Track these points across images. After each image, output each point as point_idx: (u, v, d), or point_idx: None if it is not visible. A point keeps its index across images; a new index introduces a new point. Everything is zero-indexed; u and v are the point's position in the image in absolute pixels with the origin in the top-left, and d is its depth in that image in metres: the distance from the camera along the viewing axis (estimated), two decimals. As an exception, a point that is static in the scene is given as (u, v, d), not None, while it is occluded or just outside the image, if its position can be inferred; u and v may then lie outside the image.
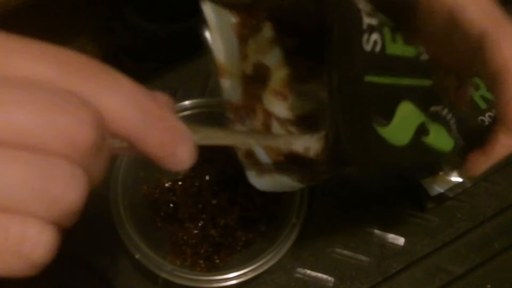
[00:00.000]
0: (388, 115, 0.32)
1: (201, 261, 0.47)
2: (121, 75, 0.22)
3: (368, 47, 0.30)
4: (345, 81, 0.29)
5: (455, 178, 0.50)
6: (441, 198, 0.50)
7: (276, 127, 0.36)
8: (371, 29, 0.31)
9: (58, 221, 0.21)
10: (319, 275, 0.48)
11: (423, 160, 0.36)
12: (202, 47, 0.57)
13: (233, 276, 0.42)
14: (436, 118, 0.35)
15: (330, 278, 0.48)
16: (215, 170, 0.49)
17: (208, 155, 0.49)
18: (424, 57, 0.34)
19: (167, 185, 0.49)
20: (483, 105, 0.48)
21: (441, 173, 0.50)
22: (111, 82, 0.21)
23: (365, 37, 0.30)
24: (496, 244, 0.49)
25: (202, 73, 0.55)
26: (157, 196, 0.48)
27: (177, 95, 0.54)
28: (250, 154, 0.35)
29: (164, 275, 0.42)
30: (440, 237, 0.49)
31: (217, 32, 0.35)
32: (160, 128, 0.21)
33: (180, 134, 0.22)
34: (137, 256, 0.42)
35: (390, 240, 0.49)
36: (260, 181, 0.35)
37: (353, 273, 0.48)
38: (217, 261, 0.47)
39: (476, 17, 0.32)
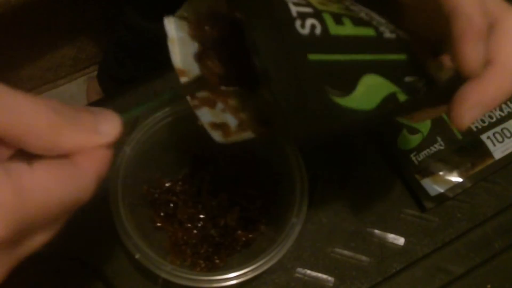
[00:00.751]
0: (347, 88, 0.32)
1: (201, 261, 0.47)
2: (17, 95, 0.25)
3: (305, 31, 0.31)
4: (287, 62, 0.30)
5: (455, 178, 0.50)
6: (441, 198, 0.50)
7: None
8: (304, 15, 0.31)
9: None
10: (319, 275, 0.48)
11: (388, 120, 0.36)
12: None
13: (233, 276, 0.42)
14: (410, 89, 0.35)
15: (330, 278, 0.48)
16: (215, 170, 0.49)
17: (208, 155, 0.49)
18: (388, 35, 0.35)
19: (167, 185, 0.49)
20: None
21: (441, 173, 0.50)
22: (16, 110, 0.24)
23: (297, 22, 0.31)
24: (496, 244, 0.49)
25: (202, 73, 0.55)
26: (157, 196, 0.48)
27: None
28: (215, 124, 0.38)
29: (164, 275, 0.42)
30: (440, 237, 0.49)
31: (176, 42, 0.41)
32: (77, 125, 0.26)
33: (97, 119, 0.28)
34: (137, 256, 0.42)
35: (390, 240, 0.49)
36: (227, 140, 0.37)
37: (353, 273, 0.48)
38: (217, 261, 0.47)
39: None
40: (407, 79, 0.35)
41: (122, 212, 0.44)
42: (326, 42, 0.32)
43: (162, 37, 0.45)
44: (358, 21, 0.34)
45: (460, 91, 0.33)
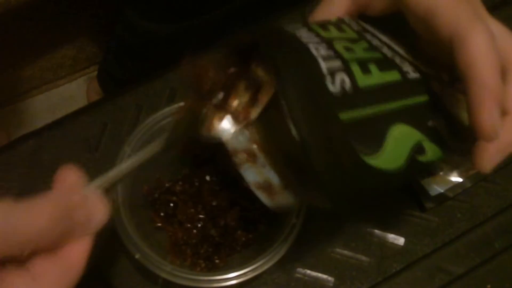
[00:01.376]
0: (378, 143, 0.32)
1: (201, 261, 0.47)
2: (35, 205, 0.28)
3: (335, 89, 0.31)
4: (320, 126, 0.30)
5: (455, 178, 0.50)
6: (441, 198, 0.50)
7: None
8: (333, 71, 0.31)
9: None
10: (319, 275, 0.48)
11: (416, 175, 0.36)
12: (202, 47, 0.58)
13: (233, 276, 0.42)
14: (434, 134, 0.35)
15: (330, 278, 0.48)
16: (215, 170, 0.49)
17: (208, 155, 0.49)
18: (412, 75, 0.34)
19: (167, 185, 0.49)
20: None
21: (441, 173, 0.50)
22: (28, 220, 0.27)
23: (328, 80, 0.31)
24: (496, 244, 0.49)
25: (202, 73, 0.55)
26: (157, 196, 0.48)
27: (177, 95, 0.54)
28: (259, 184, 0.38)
29: (164, 275, 0.42)
30: (440, 237, 0.49)
31: None
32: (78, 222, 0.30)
33: (90, 213, 0.32)
34: (137, 256, 0.42)
35: (390, 240, 0.49)
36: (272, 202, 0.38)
37: (353, 273, 0.48)
38: (217, 261, 0.47)
39: (445, 20, 0.31)
40: (430, 123, 0.35)
41: (122, 212, 0.44)
42: (356, 97, 0.32)
43: (162, 37, 0.44)
44: (383, 65, 0.34)
45: (479, 143, 0.33)
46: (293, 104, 0.30)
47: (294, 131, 0.30)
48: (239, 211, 0.47)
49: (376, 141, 0.32)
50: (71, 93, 1.17)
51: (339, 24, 0.36)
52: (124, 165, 0.38)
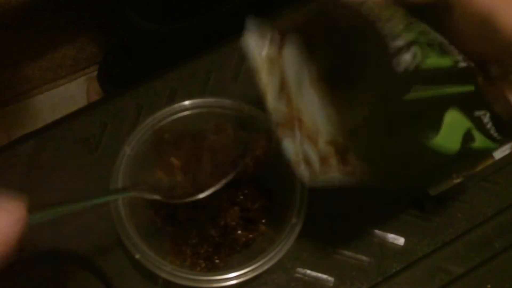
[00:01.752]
0: (437, 125, 0.33)
1: (201, 261, 0.47)
2: None
3: (400, 68, 0.32)
4: (385, 106, 0.31)
5: (455, 178, 0.50)
6: (441, 198, 0.50)
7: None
8: (400, 50, 0.32)
9: None
10: (319, 275, 0.48)
11: (471, 164, 0.37)
12: (202, 47, 0.58)
13: (233, 276, 0.42)
14: (480, 124, 0.35)
15: (330, 278, 0.48)
16: (215, 170, 0.49)
17: (209, 156, 0.49)
18: (462, 64, 0.35)
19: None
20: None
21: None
22: None
23: (394, 60, 0.31)
24: (496, 244, 0.49)
25: (202, 73, 0.55)
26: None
27: (177, 95, 0.54)
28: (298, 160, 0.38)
29: (164, 275, 0.42)
30: (440, 237, 0.49)
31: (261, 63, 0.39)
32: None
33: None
34: (137, 256, 0.42)
35: (390, 240, 0.49)
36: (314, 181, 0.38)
37: (353, 273, 0.48)
38: (217, 261, 0.47)
39: (509, 21, 0.33)
40: (476, 113, 0.35)
41: (122, 212, 0.44)
42: (419, 77, 0.32)
43: (162, 37, 0.45)
44: (440, 49, 0.34)
45: None
46: (359, 86, 0.31)
47: (358, 109, 0.30)
48: (239, 211, 0.47)
49: (436, 123, 0.33)
50: (71, 93, 1.17)
51: (389, 7, 0.37)
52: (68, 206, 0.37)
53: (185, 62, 0.56)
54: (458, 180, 0.49)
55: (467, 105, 0.35)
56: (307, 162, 0.38)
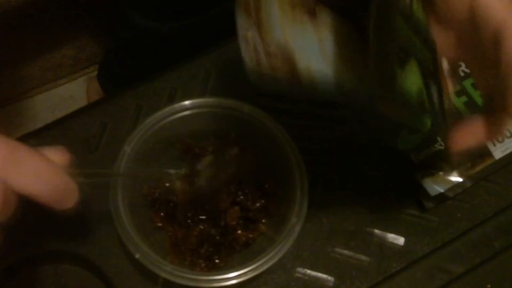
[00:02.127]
0: (405, 59, 0.34)
1: (201, 261, 0.47)
2: (27, 152, 0.32)
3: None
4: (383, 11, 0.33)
5: (455, 178, 0.50)
6: (441, 198, 0.50)
7: None
8: None
9: None
10: (319, 275, 0.48)
11: (421, 117, 0.38)
12: (202, 47, 0.58)
13: (233, 276, 0.42)
14: (428, 93, 0.36)
15: (330, 278, 0.48)
16: (215, 170, 0.49)
17: (208, 155, 0.49)
18: (431, 36, 0.36)
19: (167, 185, 0.49)
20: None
21: (441, 173, 0.50)
22: (17, 163, 0.31)
23: None
24: (496, 244, 0.49)
25: (202, 73, 0.55)
26: (157, 196, 0.48)
27: (177, 95, 0.54)
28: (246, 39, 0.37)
29: (164, 275, 0.42)
30: (440, 237, 0.49)
31: None
32: (54, 191, 0.33)
33: (67, 190, 0.34)
34: (137, 256, 0.42)
35: (390, 240, 0.49)
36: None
37: (353, 273, 0.48)
38: (217, 261, 0.47)
39: (492, 15, 0.33)
40: (428, 80, 0.36)
41: (122, 212, 0.44)
42: (407, 14, 0.33)
43: (162, 36, 0.45)
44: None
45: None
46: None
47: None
48: (239, 211, 0.47)
49: (405, 56, 0.34)
50: (71, 93, 1.17)
51: None
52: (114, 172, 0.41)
53: (185, 62, 0.56)
54: (440, 148, 0.50)
55: (424, 68, 0.35)
56: (256, 51, 0.37)
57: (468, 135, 0.36)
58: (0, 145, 0.31)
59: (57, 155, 0.35)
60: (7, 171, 0.31)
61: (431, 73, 0.36)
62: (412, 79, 0.34)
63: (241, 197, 0.48)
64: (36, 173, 0.32)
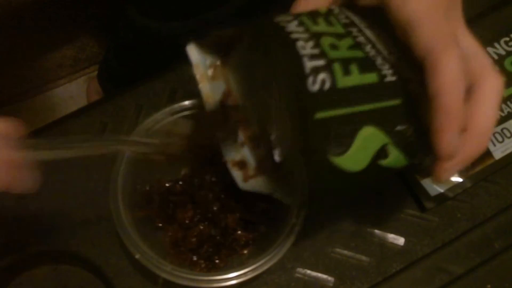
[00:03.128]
0: (346, 144, 0.34)
1: (201, 261, 0.47)
2: None
3: (314, 88, 0.32)
4: (295, 123, 0.33)
5: (455, 178, 0.50)
6: (441, 198, 0.50)
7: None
8: (316, 71, 0.33)
9: None
10: (319, 275, 0.48)
11: (377, 179, 0.37)
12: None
13: (233, 276, 0.42)
14: (400, 139, 0.36)
15: (330, 278, 0.48)
16: (215, 170, 0.49)
17: (208, 156, 0.49)
18: (390, 79, 0.35)
19: (167, 185, 0.49)
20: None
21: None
22: None
23: (310, 79, 0.32)
24: (496, 244, 0.49)
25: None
26: (157, 196, 0.48)
27: (177, 95, 0.54)
28: (237, 163, 0.41)
29: (164, 275, 0.42)
30: (440, 237, 0.49)
31: (202, 73, 0.42)
32: (6, 171, 0.29)
33: (18, 169, 0.30)
34: (137, 256, 0.42)
35: (390, 240, 0.49)
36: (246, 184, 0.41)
37: (353, 273, 0.48)
38: (217, 261, 0.47)
39: (422, 40, 0.32)
40: (399, 127, 0.35)
41: (122, 212, 0.44)
42: (333, 97, 0.33)
43: (163, 35, 0.45)
44: (364, 66, 0.35)
45: (437, 160, 0.34)
46: (273, 103, 0.32)
47: (271, 130, 0.32)
48: (240, 212, 0.47)
49: (346, 142, 0.34)
50: (71, 93, 1.17)
51: (328, 16, 0.37)
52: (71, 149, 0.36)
53: (185, 62, 0.56)
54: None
55: (388, 120, 0.35)
56: (243, 164, 0.41)
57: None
58: None
59: (8, 127, 0.31)
60: None
61: (405, 113, 0.35)
62: (363, 149, 0.34)
63: (242, 197, 0.48)
64: None
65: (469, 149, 0.34)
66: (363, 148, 0.34)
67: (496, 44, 0.55)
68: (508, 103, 0.53)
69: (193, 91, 0.54)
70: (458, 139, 0.32)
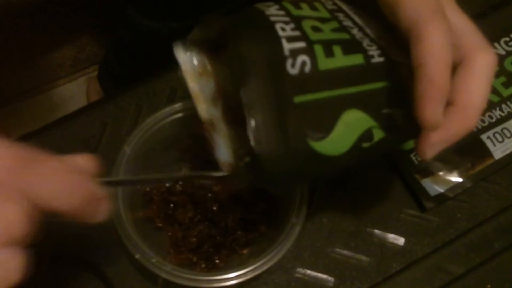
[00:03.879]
0: (328, 128, 0.33)
1: (201, 261, 0.47)
2: (52, 161, 0.28)
3: (294, 71, 0.32)
4: (273, 107, 0.31)
5: (455, 178, 0.50)
6: (441, 198, 0.50)
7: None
8: (295, 53, 0.32)
9: None
10: (319, 275, 0.48)
11: (360, 163, 0.37)
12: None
13: (233, 276, 0.42)
14: (387, 122, 0.35)
15: (330, 278, 0.48)
16: (215, 170, 0.49)
17: (208, 156, 0.49)
18: (377, 60, 0.34)
19: (167, 185, 0.49)
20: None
21: (441, 173, 0.50)
22: (44, 173, 0.28)
23: (288, 62, 0.32)
24: (496, 244, 0.49)
25: (202, 73, 0.55)
26: (157, 196, 0.48)
27: (177, 95, 0.54)
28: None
29: (164, 275, 0.42)
30: (440, 237, 0.49)
31: (191, 72, 0.41)
32: (83, 202, 0.30)
33: (97, 200, 0.31)
34: (137, 256, 0.42)
35: (390, 240, 0.49)
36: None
37: (353, 273, 0.48)
38: (217, 261, 0.47)
39: (406, 14, 0.32)
40: (385, 110, 0.34)
41: (122, 212, 0.44)
42: (314, 80, 0.32)
43: (163, 35, 0.45)
44: (349, 48, 0.34)
45: (422, 132, 0.34)
46: (250, 87, 0.31)
47: (248, 115, 0.31)
48: (240, 212, 0.47)
49: (327, 126, 0.33)
50: (71, 93, 1.17)
51: (313, 2, 0.36)
52: (142, 178, 0.41)
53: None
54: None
55: (374, 103, 0.34)
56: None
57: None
58: (14, 153, 0.27)
59: (84, 162, 0.32)
60: (27, 183, 0.27)
61: (393, 95, 0.34)
62: (346, 133, 0.33)
63: (242, 198, 0.48)
64: (61, 182, 0.28)
65: (456, 125, 0.33)
66: (345, 132, 0.33)
67: (496, 44, 0.55)
68: (508, 103, 0.53)
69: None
70: (441, 109, 0.31)
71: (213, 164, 0.50)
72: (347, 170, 0.38)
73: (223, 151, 0.40)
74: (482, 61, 0.33)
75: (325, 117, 0.33)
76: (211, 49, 0.40)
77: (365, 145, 0.34)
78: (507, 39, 0.56)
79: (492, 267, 0.48)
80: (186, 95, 0.43)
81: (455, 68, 0.33)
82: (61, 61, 1.15)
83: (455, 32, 0.33)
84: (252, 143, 0.31)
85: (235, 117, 0.38)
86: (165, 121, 0.47)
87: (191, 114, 0.48)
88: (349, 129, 0.33)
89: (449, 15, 0.33)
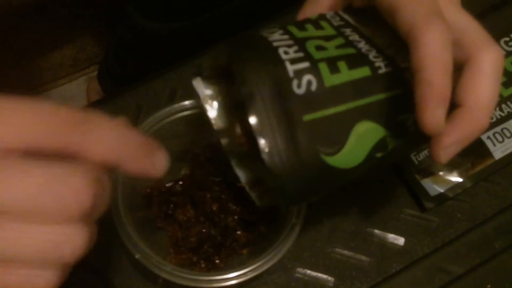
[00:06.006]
0: (340, 142, 0.33)
1: (201, 261, 0.47)
2: (99, 118, 0.26)
3: (301, 90, 0.32)
4: (282, 128, 0.32)
5: (455, 178, 0.50)
6: (441, 198, 0.50)
7: None
8: (300, 73, 0.32)
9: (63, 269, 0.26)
10: (319, 275, 0.48)
11: (373, 171, 0.37)
12: (202, 46, 0.58)
13: (233, 276, 0.42)
14: (400, 130, 0.35)
15: (330, 278, 0.48)
16: (215, 170, 0.49)
17: (208, 156, 0.49)
18: (383, 70, 0.34)
19: (167, 185, 0.49)
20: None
21: (441, 173, 0.50)
22: (93, 130, 0.26)
23: (294, 83, 0.32)
24: (496, 244, 0.49)
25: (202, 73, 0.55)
26: (157, 196, 0.48)
27: (177, 95, 0.54)
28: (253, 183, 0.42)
29: (164, 275, 0.42)
30: (440, 237, 0.49)
31: (209, 101, 0.42)
32: (139, 153, 0.28)
33: (153, 148, 0.29)
34: (137, 256, 0.42)
35: (390, 240, 0.49)
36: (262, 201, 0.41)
37: (353, 273, 0.48)
38: (217, 261, 0.47)
39: (403, 18, 0.32)
40: (397, 118, 0.35)
41: (122, 212, 0.44)
42: (321, 97, 0.33)
43: (163, 36, 0.45)
44: (354, 62, 0.34)
45: (434, 136, 0.33)
46: (258, 112, 0.31)
47: (259, 138, 0.31)
48: (240, 212, 0.47)
49: (339, 140, 0.33)
50: (71, 93, 1.17)
51: (318, 21, 0.37)
52: None
53: (185, 62, 0.56)
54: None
55: (385, 112, 0.34)
56: (259, 181, 0.41)
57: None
58: (67, 113, 0.25)
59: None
60: (84, 140, 0.25)
61: (403, 104, 0.34)
62: (359, 145, 0.34)
63: (242, 198, 0.48)
64: (116, 135, 0.27)
65: (467, 126, 0.33)
66: (358, 144, 0.34)
67: (496, 44, 0.55)
68: (508, 103, 0.53)
69: (193, 91, 0.54)
70: (443, 112, 0.31)
71: (214, 164, 0.50)
72: (360, 179, 0.39)
73: (242, 173, 0.42)
74: (488, 59, 0.33)
75: (337, 132, 0.33)
76: (225, 75, 0.40)
77: (379, 154, 0.35)
78: (507, 39, 0.56)
79: (492, 267, 0.48)
80: (186, 95, 0.43)
81: (461, 68, 0.33)
82: (61, 61, 1.15)
83: (458, 31, 0.33)
84: (266, 163, 0.32)
85: (251, 139, 0.39)
86: (165, 121, 0.47)
87: (191, 114, 0.48)
88: (362, 141, 0.34)
89: (450, 15, 0.33)
